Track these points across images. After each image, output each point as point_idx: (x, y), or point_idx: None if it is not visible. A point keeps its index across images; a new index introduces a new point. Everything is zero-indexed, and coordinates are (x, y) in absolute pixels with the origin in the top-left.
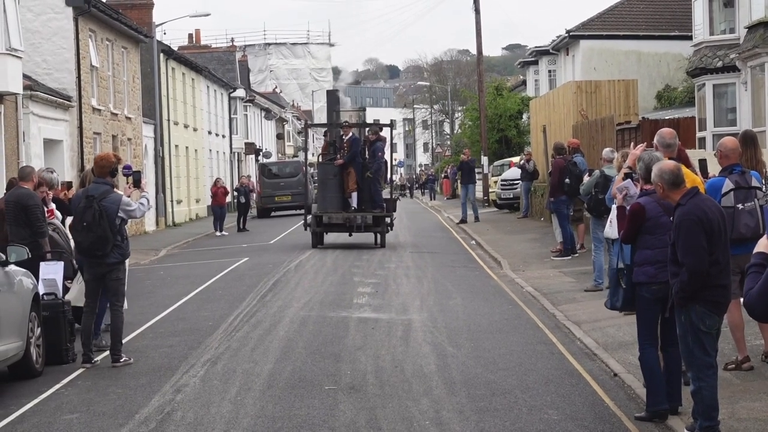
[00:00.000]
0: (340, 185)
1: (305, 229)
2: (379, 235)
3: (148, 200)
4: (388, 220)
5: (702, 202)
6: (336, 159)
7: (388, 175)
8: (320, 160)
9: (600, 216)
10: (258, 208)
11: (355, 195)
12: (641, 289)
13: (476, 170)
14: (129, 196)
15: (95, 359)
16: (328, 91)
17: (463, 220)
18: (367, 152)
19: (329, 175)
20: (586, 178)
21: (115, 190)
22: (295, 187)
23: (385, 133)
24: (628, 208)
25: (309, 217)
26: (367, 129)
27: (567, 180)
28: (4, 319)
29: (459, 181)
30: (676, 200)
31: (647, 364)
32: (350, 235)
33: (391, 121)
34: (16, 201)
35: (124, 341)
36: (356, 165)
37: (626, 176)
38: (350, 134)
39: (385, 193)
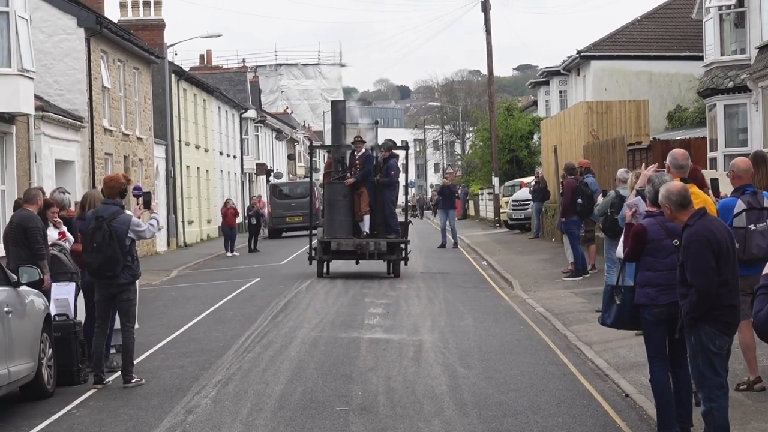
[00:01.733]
0: (351, 207)
1: (310, 263)
2: (392, 264)
3: (157, 221)
4: (403, 247)
5: (710, 222)
6: (346, 177)
7: (401, 196)
8: (325, 179)
9: (615, 237)
10: (269, 229)
11: (367, 218)
12: (643, 311)
13: (457, 195)
14: (139, 217)
15: (107, 380)
16: (333, 102)
17: (443, 245)
18: (380, 170)
19: (338, 196)
20: (599, 199)
21: (125, 210)
22: (306, 207)
23: (399, 154)
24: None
25: (314, 241)
26: (379, 145)
27: (579, 200)
28: (16, 340)
29: (437, 205)
30: (683, 221)
31: (657, 385)
32: (357, 262)
33: (405, 142)
34: (18, 223)
35: (135, 362)
36: (369, 185)
37: (638, 193)
38: (363, 150)
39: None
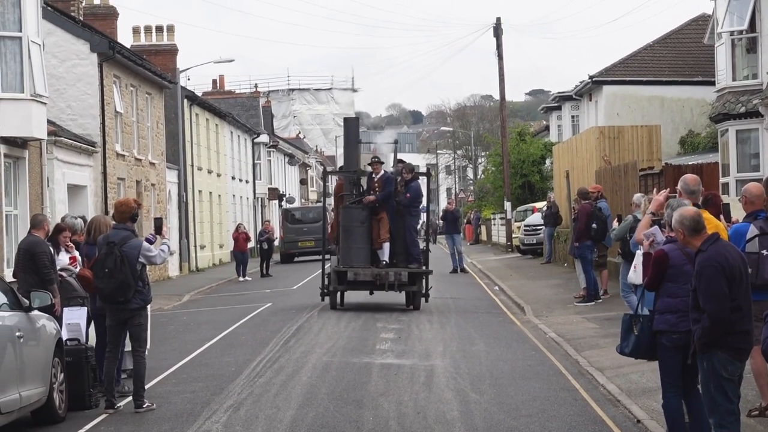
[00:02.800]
0: (368, 234)
1: (322, 298)
2: (413, 295)
3: (168, 247)
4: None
5: (723, 248)
6: (362, 201)
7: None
8: (336, 203)
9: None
10: (281, 254)
11: (386, 246)
12: (661, 337)
13: (461, 220)
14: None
15: (118, 404)
16: (345, 119)
17: (455, 270)
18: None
19: (355, 221)
20: (614, 224)
21: (136, 235)
22: (319, 232)
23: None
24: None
25: (328, 268)
26: (399, 166)
27: (594, 225)
28: (28, 365)
29: (442, 230)
30: (697, 246)
31: (670, 412)
32: (371, 293)
33: (428, 169)
34: (26, 249)
35: (146, 387)
36: (389, 209)
37: (654, 222)
38: (382, 172)
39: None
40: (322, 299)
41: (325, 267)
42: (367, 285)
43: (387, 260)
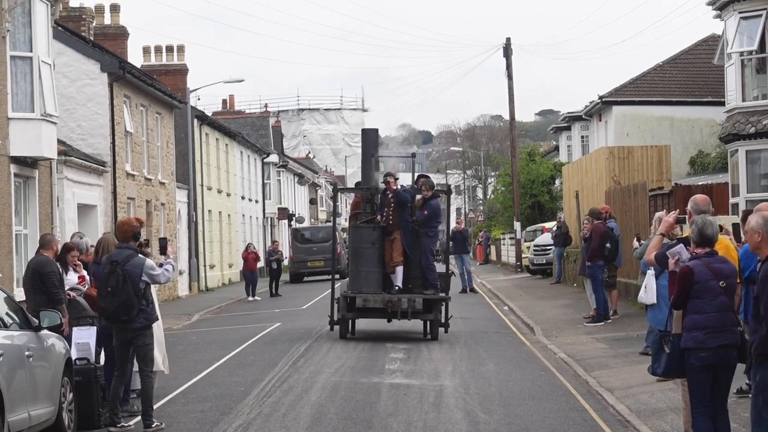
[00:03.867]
0: (380, 256)
1: (331, 328)
2: (430, 324)
3: (173, 266)
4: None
5: None
6: (375, 219)
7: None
8: (350, 222)
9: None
10: (290, 273)
11: (400, 270)
12: (689, 355)
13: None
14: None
15: (128, 424)
16: (364, 130)
17: (464, 290)
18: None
19: (365, 242)
20: (635, 243)
21: (139, 254)
22: (328, 252)
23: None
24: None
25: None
26: (419, 182)
27: (608, 245)
28: (37, 384)
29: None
30: (766, 254)
31: None
32: (389, 320)
33: (448, 186)
34: (34, 269)
35: (156, 406)
36: (404, 229)
37: (680, 241)
38: (398, 187)
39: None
40: (331, 328)
41: (335, 290)
42: (377, 312)
43: (400, 285)
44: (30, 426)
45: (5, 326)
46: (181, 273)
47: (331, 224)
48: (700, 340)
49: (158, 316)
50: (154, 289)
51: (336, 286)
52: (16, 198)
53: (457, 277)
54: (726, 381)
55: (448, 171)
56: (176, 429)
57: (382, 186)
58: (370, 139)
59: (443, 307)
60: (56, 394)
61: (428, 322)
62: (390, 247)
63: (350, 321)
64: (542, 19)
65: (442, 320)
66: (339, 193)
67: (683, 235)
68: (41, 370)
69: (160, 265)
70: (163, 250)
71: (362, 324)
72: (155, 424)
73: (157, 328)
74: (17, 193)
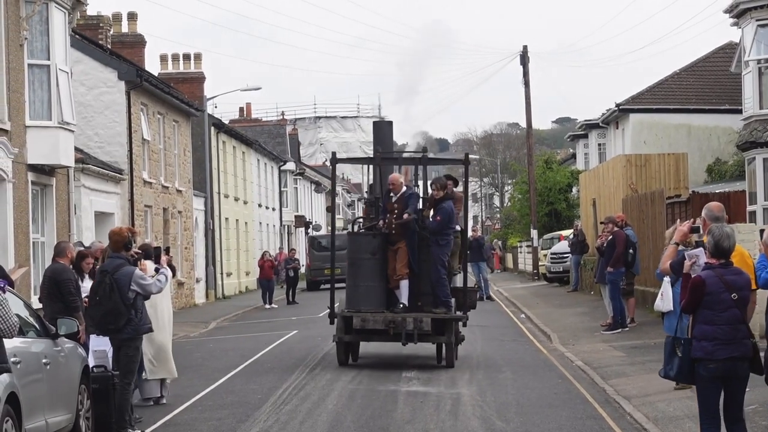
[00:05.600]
0: (382, 269)
1: (333, 339)
2: (444, 347)
3: (166, 277)
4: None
5: None
6: (377, 225)
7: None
8: (355, 229)
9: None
10: (307, 281)
11: (405, 285)
12: (699, 366)
13: (488, 247)
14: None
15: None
16: (375, 122)
17: (481, 298)
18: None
19: (364, 252)
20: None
21: (130, 264)
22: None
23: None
24: (693, 276)
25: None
26: (429, 181)
27: (631, 251)
28: (54, 392)
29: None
30: None
31: None
32: (404, 344)
33: (466, 155)
34: (51, 276)
35: (172, 414)
36: (409, 237)
37: (698, 244)
38: (403, 188)
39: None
40: (331, 322)
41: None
42: (378, 335)
43: (406, 303)
44: None
45: (23, 333)
46: (198, 281)
47: (347, 232)
48: (709, 351)
49: (156, 326)
50: (166, 297)
51: (336, 304)
52: (34, 206)
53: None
54: (739, 392)
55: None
56: None
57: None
58: (383, 132)
59: (459, 326)
60: (73, 401)
61: (442, 347)
62: (393, 259)
63: (350, 345)
64: (559, 27)
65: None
66: (335, 166)
67: (700, 240)
68: (58, 378)
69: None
70: (156, 259)
71: (370, 347)
72: None
73: (160, 334)
74: (34, 201)
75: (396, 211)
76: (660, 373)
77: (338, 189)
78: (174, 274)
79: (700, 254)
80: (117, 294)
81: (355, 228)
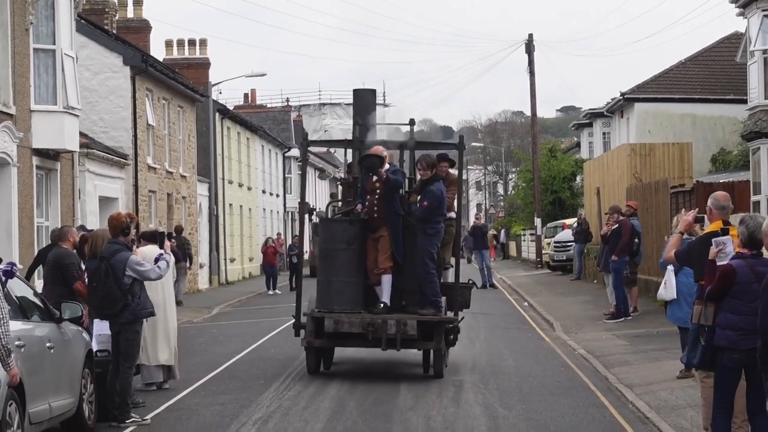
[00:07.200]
0: (360, 262)
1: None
2: (432, 355)
3: (167, 262)
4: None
5: None
6: (355, 209)
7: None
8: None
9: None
10: (310, 267)
11: (387, 281)
12: (722, 356)
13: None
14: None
15: (145, 417)
16: (355, 91)
17: (484, 285)
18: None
19: (338, 242)
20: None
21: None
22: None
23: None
24: (718, 264)
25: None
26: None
27: (636, 240)
28: (58, 376)
29: (470, 246)
30: None
31: None
32: (384, 349)
33: (461, 137)
34: (54, 261)
35: (175, 399)
36: (391, 223)
37: (723, 232)
38: (386, 167)
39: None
40: (297, 334)
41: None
42: (354, 339)
43: (387, 302)
44: (51, 417)
45: (27, 317)
46: (201, 266)
47: (318, 219)
48: (734, 340)
49: (169, 309)
50: (166, 281)
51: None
52: (38, 190)
53: (478, 287)
54: (761, 382)
55: (468, 166)
56: (196, 421)
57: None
58: (364, 102)
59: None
60: (77, 385)
61: (430, 352)
62: (374, 249)
63: (320, 351)
64: (564, 16)
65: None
66: (307, 150)
67: (704, 232)
68: (62, 362)
69: (158, 260)
70: (160, 245)
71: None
72: (133, 417)
73: (164, 320)
74: (39, 186)
75: (378, 193)
76: (682, 360)
77: (342, 175)
78: (190, 262)
79: (728, 242)
80: (112, 279)
81: (329, 213)
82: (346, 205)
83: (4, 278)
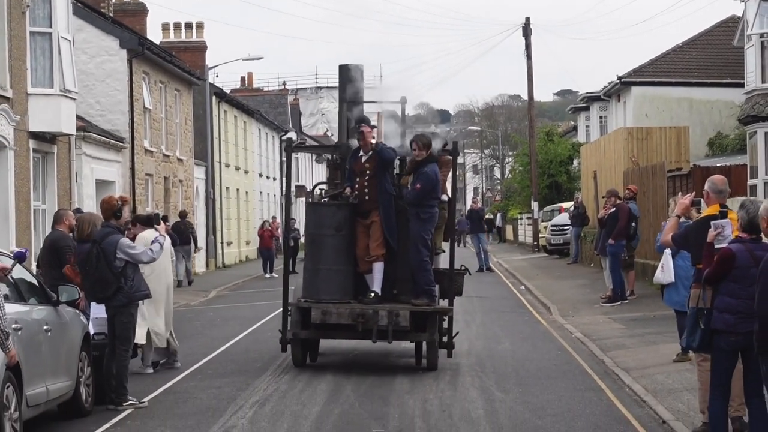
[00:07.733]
0: (349, 249)
1: (283, 348)
2: (425, 347)
3: (161, 245)
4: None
5: None
6: (342, 194)
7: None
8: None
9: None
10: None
11: (379, 269)
12: (719, 338)
13: (488, 218)
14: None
15: (142, 400)
16: (341, 66)
17: (481, 269)
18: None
19: (326, 227)
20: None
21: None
22: None
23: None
24: (717, 247)
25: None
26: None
27: (633, 224)
28: (55, 359)
29: (467, 230)
30: None
31: (713, 415)
32: (374, 341)
33: (455, 143)
34: (50, 244)
35: (172, 382)
36: (384, 204)
37: (722, 215)
38: (374, 142)
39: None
40: (283, 348)
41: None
42: (343, 331)
43: (378, 291)
44: (48, 400)
45: (24, 300)
46: (198, 250)
47: (305, 203)
48: (731, 323)
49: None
50: (165, 263)
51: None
52: (35, 173)
53: (472, 274)
54: (757, 366)
55: (465, 150)
56: (193, 405)
57: (355, 143)
58: (351, 79)
59: (446, 321)
60: (74, 368)
61: (422, 344)
62: (364, 235)
63: (305, 343)
64: (563, 2)
65: (444, 338)
66: (291, 153)
67: (702, 216)
68: (59, 345)
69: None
70: (146, 221)
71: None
72: (130, 401)
73: (161, 302)
74: (36, 169)
75: (368, 174)
76: (682, 343)
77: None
78: (195, 245)
79: (727, 225)
80: (104, 263)
81: (316, 196)
82: (333, 188)
83: (15, 260)
